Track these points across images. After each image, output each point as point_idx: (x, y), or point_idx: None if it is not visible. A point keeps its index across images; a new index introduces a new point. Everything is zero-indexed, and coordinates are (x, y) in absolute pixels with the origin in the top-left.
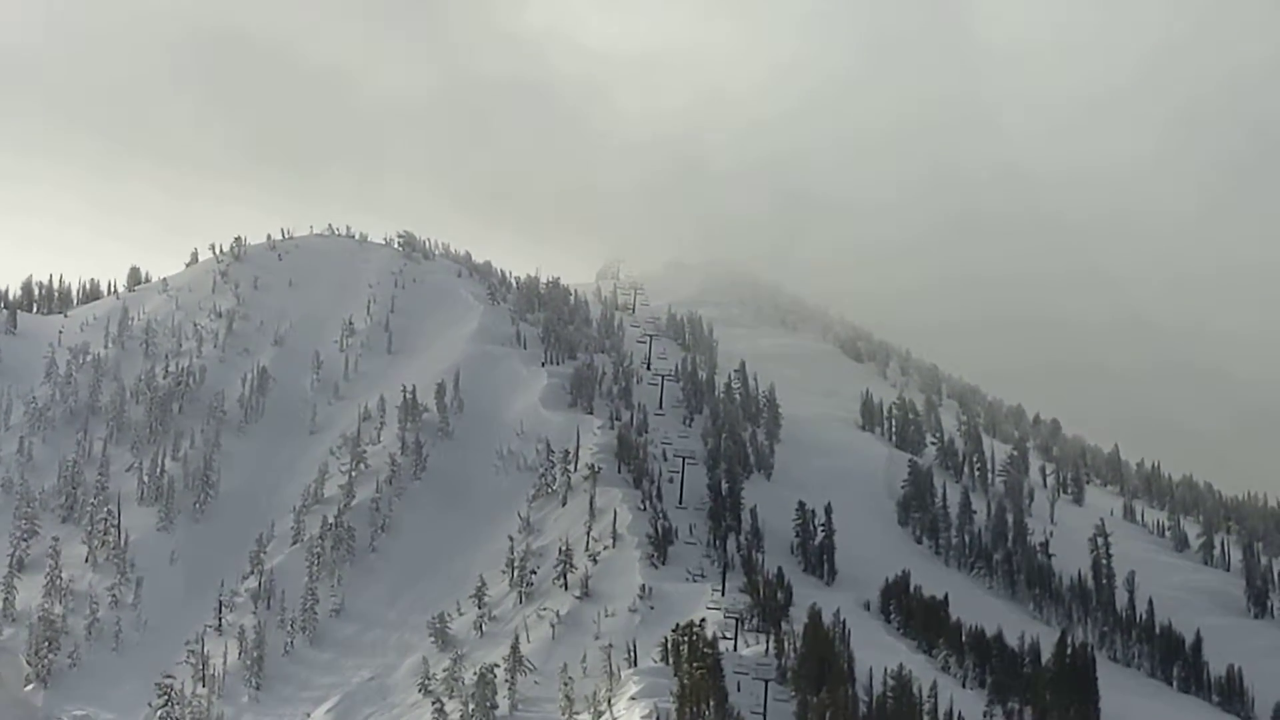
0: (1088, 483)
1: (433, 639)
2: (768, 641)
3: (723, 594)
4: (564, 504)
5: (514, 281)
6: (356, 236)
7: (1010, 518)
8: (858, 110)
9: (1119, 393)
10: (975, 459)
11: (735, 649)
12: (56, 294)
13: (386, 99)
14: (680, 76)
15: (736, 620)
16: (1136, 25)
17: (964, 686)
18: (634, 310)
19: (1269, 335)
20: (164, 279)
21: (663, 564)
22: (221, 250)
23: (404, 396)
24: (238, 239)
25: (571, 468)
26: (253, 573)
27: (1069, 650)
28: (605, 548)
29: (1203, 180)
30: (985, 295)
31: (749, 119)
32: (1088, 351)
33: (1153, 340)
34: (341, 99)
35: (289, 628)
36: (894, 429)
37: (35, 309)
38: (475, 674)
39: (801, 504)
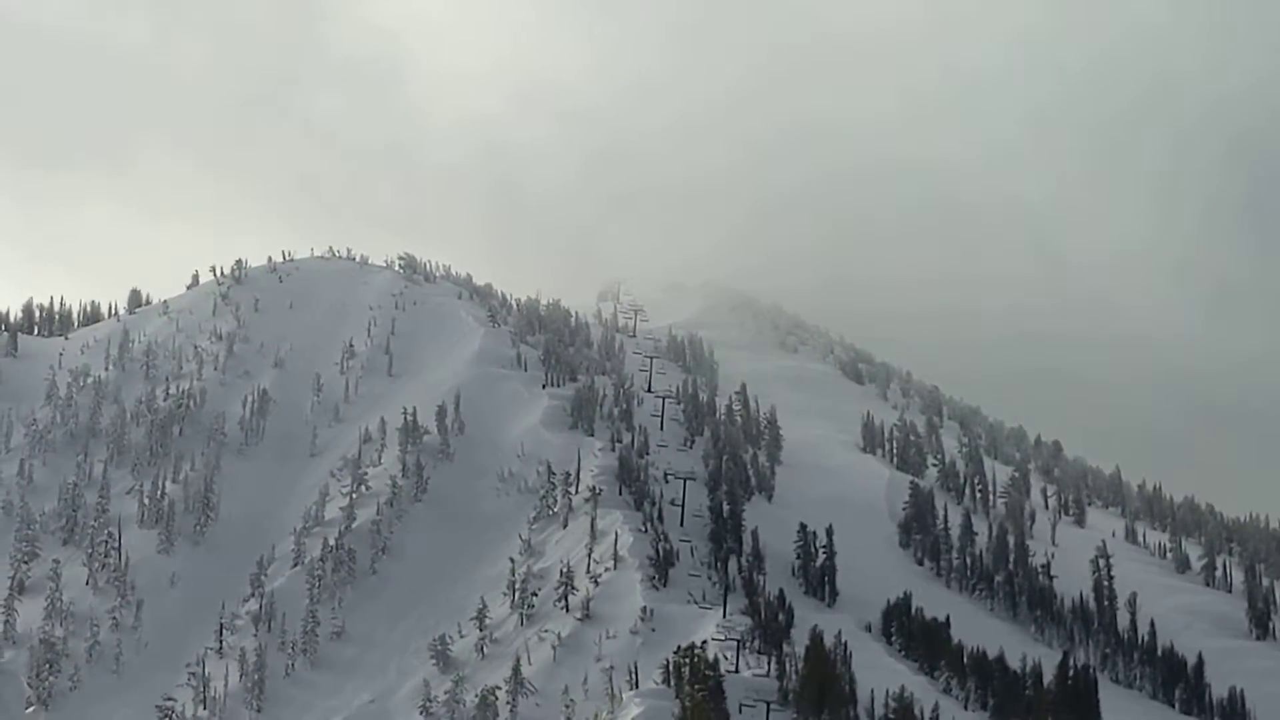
0: (1089, 504)
1: (434, 661)
2: (769, 663)
3: (724, 616)
4: (565, 526)
5: (514, 304)
6: (357, 259)
7: (1012, 539)
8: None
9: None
10: (976, 481)
11: (737, 671)
12: (57, 316)
13: (170, 73)
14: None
15: (738, 642)
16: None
17: (966, 709)
18: (634, 332)
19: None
20: (164, 301)
21: (664, 586)
22: (222, 273)
23: (404, 419)
24: (238, 261)
25: (572, 490)
26: (253, 595)
27: (1071, 672)
28: (606, 570)
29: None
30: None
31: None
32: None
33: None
34: (131, 75)
35: (290, 650)
36: (895, 451)
37: (36, 331)
38: (476, 696)
39: (803, 526)
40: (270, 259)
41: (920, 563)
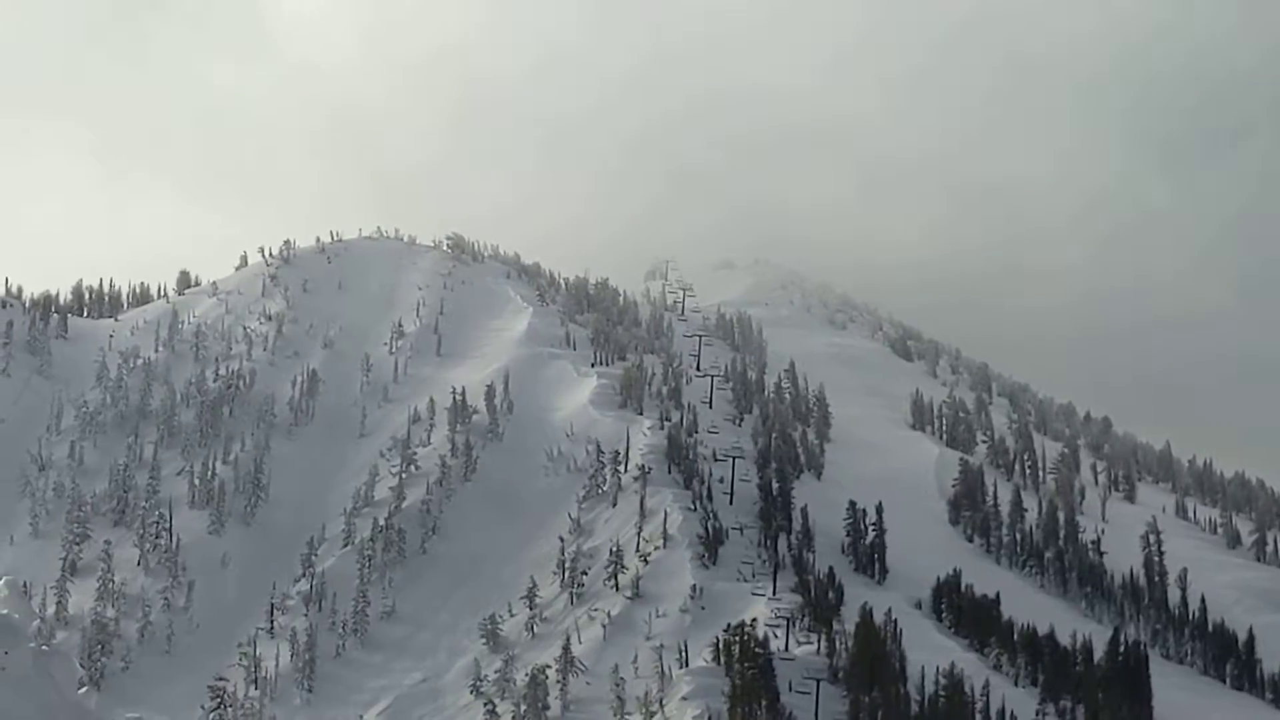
0: (1139, 480)
1: (484, 640)
2: (819, 641)
3: (774, 594)
4: (614, 505)
5: (563, 283)
6: (405, 239)
7: (1061, 516)
8: None
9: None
10: (1026, 457)
11: (786, 649)
12: (107, 298)
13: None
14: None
15: (788, 620)
16: None
17: (1016, 685)
18: (683, 311)
19: None
20: (214, 282)
21: (713, 564)
22: (271, 253)
23: (453, 399)
24: (286, 242)
25: (621, 469)
26: (304, 575)
27: (1121, 648)
28: (656, 548)
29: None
30: None
31: None
32: None
33: None
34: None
35: (340, 630)
36: (944, 428)
37: (86, 313)
38: (527, 675)
39: (852, 503)
40: (319, 239)
41: (970, 539)
